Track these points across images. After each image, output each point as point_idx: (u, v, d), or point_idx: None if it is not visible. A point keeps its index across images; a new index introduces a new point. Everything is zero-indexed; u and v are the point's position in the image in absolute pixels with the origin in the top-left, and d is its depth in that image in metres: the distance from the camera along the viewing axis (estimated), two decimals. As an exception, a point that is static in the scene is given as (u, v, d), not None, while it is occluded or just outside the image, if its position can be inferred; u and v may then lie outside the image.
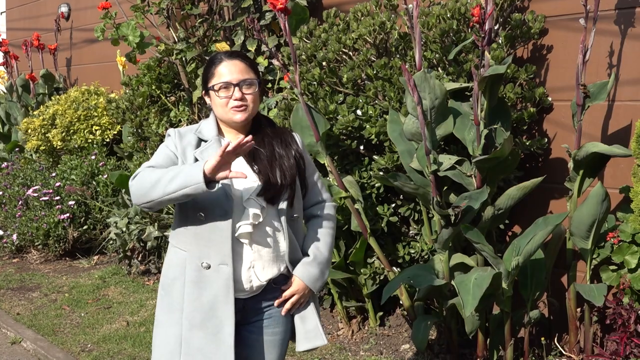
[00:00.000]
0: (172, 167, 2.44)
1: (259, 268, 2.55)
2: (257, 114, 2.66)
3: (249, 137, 2.34)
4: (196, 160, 2.52)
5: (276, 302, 2.63)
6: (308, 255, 2.66)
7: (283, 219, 2.56)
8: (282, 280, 2.64)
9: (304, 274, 2.63)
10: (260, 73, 5.10)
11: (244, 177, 2.37)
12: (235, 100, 2.54)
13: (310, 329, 2.67)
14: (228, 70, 2.55)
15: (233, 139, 2.61)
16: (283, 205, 2.56)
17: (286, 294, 2.63)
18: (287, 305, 2.64)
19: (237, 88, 2.54)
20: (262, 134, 2.63)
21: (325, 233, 2.72)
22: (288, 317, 2.68)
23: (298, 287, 2.63)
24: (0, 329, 5.24)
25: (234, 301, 2.52)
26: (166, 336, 2.58)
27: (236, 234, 2.50)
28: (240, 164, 2.56)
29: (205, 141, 2.58)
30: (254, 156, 2.57)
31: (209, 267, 2.51)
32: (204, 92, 2.65)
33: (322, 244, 2.69)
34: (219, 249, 2.49)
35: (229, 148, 2.29)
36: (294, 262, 2.64)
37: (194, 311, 2.53)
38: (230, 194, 2.50)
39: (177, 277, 2.57)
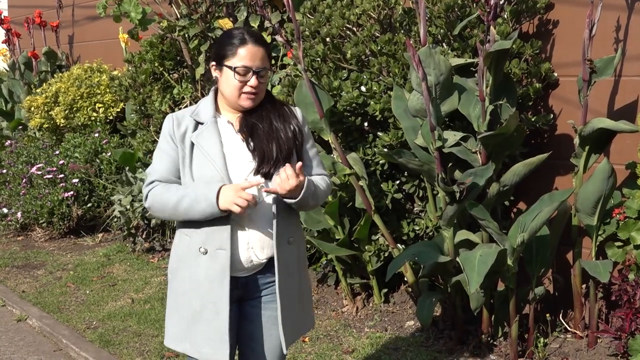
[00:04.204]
0: (187, 191, 2.48)
1: (257, 248, 2.54)
2: None
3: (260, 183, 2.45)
4: (192, 145, 2.52)
5: (263, 190, 2.49)
6: None
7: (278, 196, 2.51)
8: None
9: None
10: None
11: (257, 185, 2.43)
12: (251, 87, 2.52)
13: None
14: (252, 55, 2.51)
15: (231, 117, 2.60)
16: None
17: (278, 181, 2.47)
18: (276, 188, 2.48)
19: (255, 76, 2.52)
20: (261, 108, 2.61)
21: (323, 185, 2.62)
22: None
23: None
24: (6, 306, 5.26)
25: (236, 279, 2.53)
26: (174, 320, 2.62)
27: (232, 215, 2.49)
28: (236, 142, 2.56)
29: (202, 123, 2.56)
30: (251, 132, 2.56)
31: (205, 252, 2.51)
32: (214, 63, 2.59)
33: (319, 188, 2.59)
34: (218, 234, 2.49)
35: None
36: (281, 244, 2.54)
37: (194, 296, 2.55)
38: (227, 178, 2.49)
39: (181, 262, 2.59)
